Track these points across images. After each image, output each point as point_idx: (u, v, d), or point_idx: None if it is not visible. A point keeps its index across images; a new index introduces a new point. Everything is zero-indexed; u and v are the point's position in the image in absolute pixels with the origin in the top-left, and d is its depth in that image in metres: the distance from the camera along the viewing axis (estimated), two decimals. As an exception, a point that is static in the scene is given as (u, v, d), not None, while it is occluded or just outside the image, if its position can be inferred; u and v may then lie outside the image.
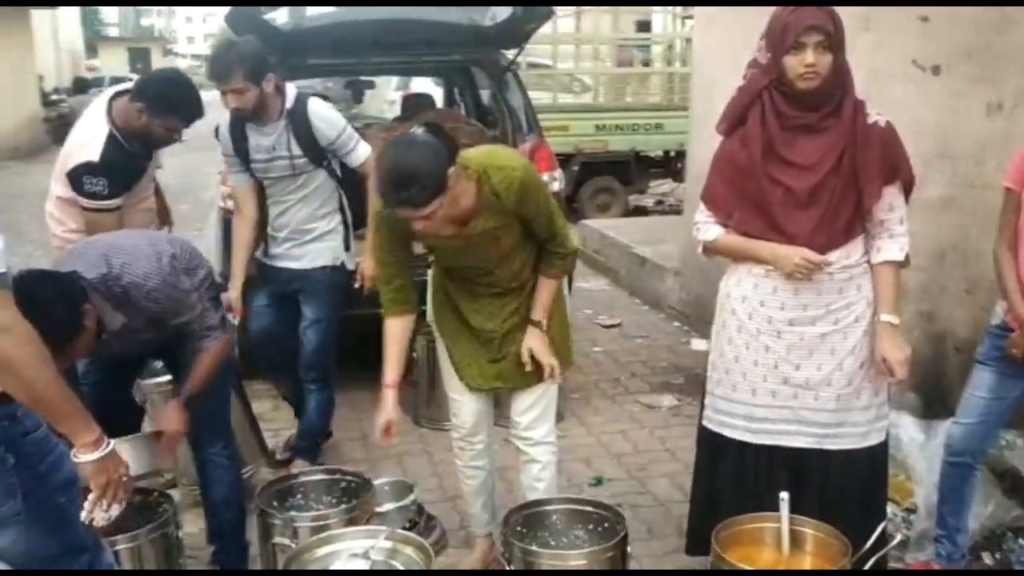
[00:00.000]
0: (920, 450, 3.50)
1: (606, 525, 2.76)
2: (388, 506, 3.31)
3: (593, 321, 6.42)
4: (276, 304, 3.84)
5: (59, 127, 17.22)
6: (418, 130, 2.50)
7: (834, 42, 2.49)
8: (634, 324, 6.33)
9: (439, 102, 7.46)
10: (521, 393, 2.96)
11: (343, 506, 2.87)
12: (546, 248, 2.83)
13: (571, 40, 11.52)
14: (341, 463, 4.13)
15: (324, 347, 3.79)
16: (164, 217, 3.99)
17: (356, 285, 3.79)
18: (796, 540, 2.54)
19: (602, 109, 9.96)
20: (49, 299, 2.34)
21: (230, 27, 4.37)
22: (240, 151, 3.61)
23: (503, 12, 4.72)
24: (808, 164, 2.60)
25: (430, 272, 3.06)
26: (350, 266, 3.83)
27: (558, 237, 2.80)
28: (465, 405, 3.01)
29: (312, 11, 4.86)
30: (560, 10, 12.45)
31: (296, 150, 3.55)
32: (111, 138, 3.32)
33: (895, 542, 2.56)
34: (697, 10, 6.67)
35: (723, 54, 5.11)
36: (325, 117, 3.60)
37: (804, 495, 2.75)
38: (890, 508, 3.50)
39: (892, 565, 3.22)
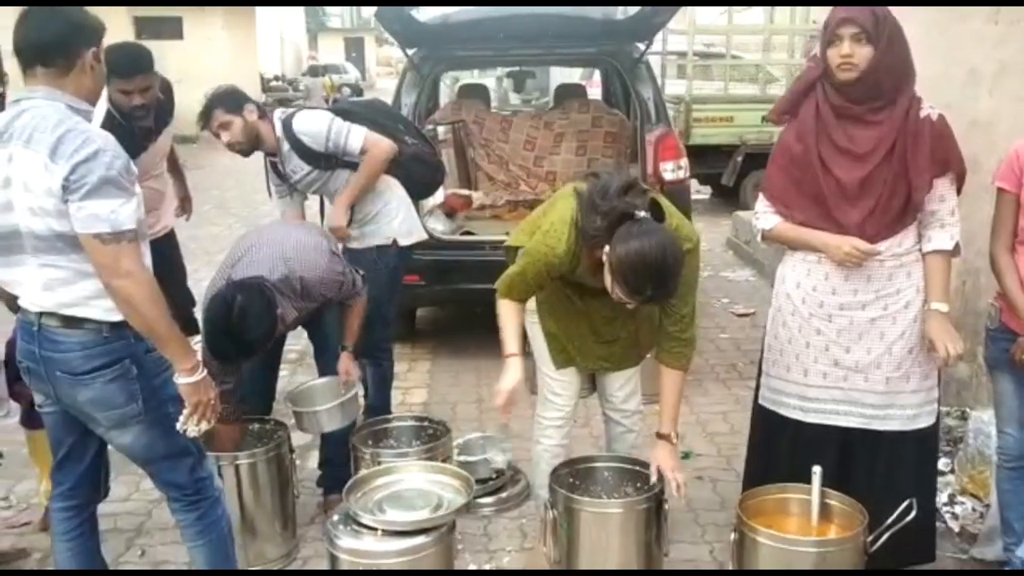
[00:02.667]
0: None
1: (651, 484, 2.98)
2: (477, 456, 3.68)
3: (728, 309, 6.52)
4: None
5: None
6: (646, 215, 2.49)
7: (872, 35, 2.59)
8: (767, 315, 6.33)
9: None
10: (615, 371, 3.13)
11: (421, 446, 3.24)
12: (667, 330, 2.82)
13: (762, 31, 11.37)
14: (456, 420, 4.55)
15: (371, 324, 3.78)
16: (185, 204, 4.49)
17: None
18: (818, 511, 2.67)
19: (770, 100, 9.82)
20: (258, 308, 2.93)
21: (379, 22, 4.83)
22: (286, 182, 3.90)
23: (634, 6, 4.93)
24: (860, 152, 2.70)
25: None
26: (404, 242, 3.93)
27: (687, 318, 2.80)
28: (569, 385, 3.08)
29: (455, 8, 5.25)
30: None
31: (306, 166, 3.73)
32: (108, 114, 3.73)
33: (908, 518, 2.59)
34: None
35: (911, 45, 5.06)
36: (307, 130, 3.66)
37: (854, 475, 2.87)
38: (969, 501, 3.51)
39: (958, 557, 3.25)
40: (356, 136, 3.68)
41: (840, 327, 2.84)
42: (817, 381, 2.91)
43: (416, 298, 5.32)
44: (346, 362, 3.44)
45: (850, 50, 2.60)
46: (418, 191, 4.15)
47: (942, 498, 3.54)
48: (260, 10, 23.53)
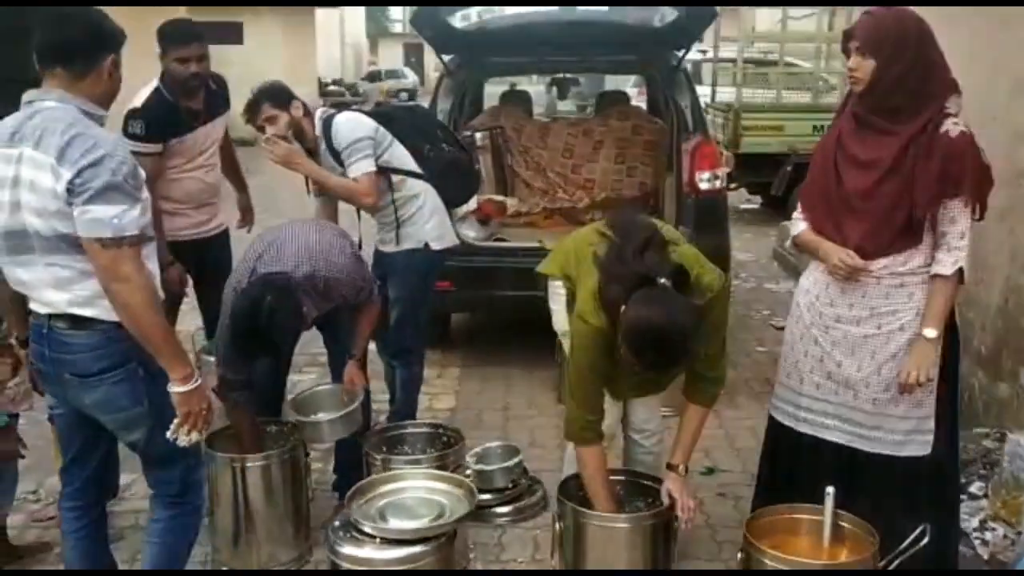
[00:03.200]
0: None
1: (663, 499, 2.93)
2: (494, 466, 3.66)
3: (768, 322, 6.39)
4: (383, 285, 4.03)
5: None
6: (664, 282, 2.45)
7: (872, 48, 2.54)
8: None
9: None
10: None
11: (433, 453, 3.23)
12: (697, 371, 2.81)
13: (815, 38, 11.17)
14: (480, 428, 4.54)
15: (401, 326, 3.88)
16: (247, 215, 4.51)
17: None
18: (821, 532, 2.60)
19: (821, 109, 9.64)
20: (287, 309, 2.96)
21: (415, 28, 4.84)
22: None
23: (671, 13, 4.87)
24: (867, 160, 2.64)
25: (554, 285, 3.08)
26: (436, 246, 3.90)
27: (713, 358, 2.77)
28: (607, 412, 2.99)
29: (491, 14, 5.23)
30: (800, 11, 12.18)
31: (339, 167, 3.72)
32: (156, 90, 3.83)
33: (918, 545, 2.50)
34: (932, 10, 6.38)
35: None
36: (341, 129, 3.68)
37: (851, 491, 2.76)
38: (1001, 527, 3.39)
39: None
40: (361, 167, 3.65)
41: (835, 339, 2.79)
42: (811, 391, 2.87)
43: (447, 304, 5.31)
44: (351, 371, 3.44)
45: (854, 63, 2.57)
46: (453, 198, 4.13)
47: (973, 523, 3.42)
48: (320, 15, 23.85)
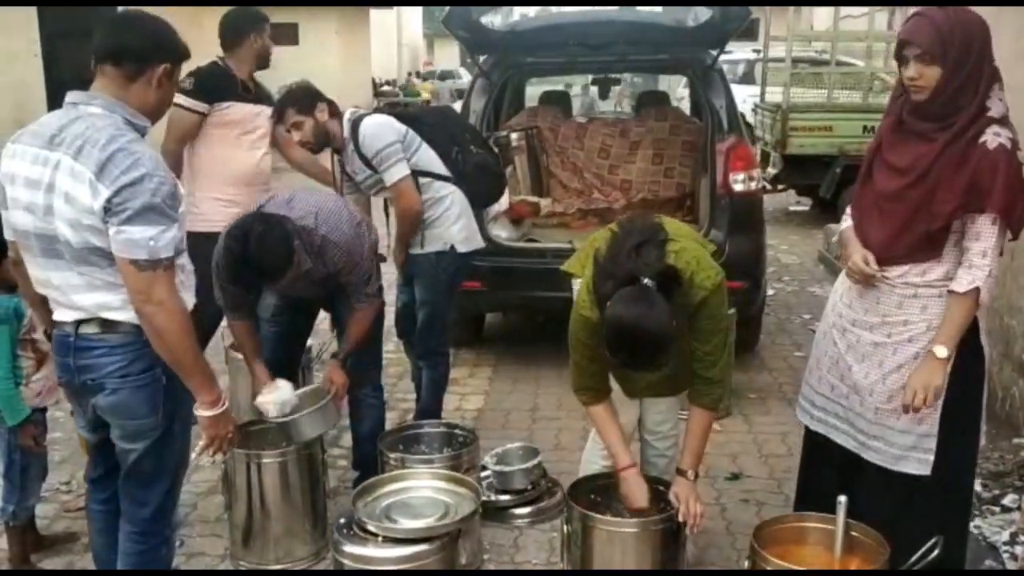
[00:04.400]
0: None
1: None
2: (513, 467, 3.65)
3: (808, 326, 6.27)
4: (411, 285, 4.12)
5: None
6: (650, 283, 2.45)
7: (937, 55, 2.41)
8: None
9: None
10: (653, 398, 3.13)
11: (447, 453, 3.24)
12: (698, 372, 2.80)
13: (865, 37, 10.94)
14: (506, 428, 4.54)
15: (428, 327, 3.93)
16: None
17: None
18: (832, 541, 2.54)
19: (872, 110, 9.43)
20: (275, 238, 3.00)
21: (447, 28, 4.86)
22: (352, 180, 3.95)
23: (704, 13, 4.81)
24: (900, 167, 2.56)
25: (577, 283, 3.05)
26: (462, 248, 3.92)
27: (710, 357, 2.76)
28: (622, 412, 3.03)
29: (525, 15, 5.23)
30: (859, 9, 11.94)
31: (367, 168, 3.77)
32: (214, 61, 4.17)
33: (929, 557, 2.43)
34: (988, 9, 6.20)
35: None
36: (368, 134, 3.71)
37: (858, 496, 2.68)
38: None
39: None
40: (395, 173, 3.70)
41: (849, 343, 2.74)
42: (825, 391, 2.85)
43: (478, 304, 5.33)
44: (333, 371, 3.41)
45: (916, 72, 2.44)
46: (480, 200, 4.15)
47: (1003, 536, 3.34)
48: (375, 16, 24.08)
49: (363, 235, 3.34)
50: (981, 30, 2.46)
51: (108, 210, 2.17)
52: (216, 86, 4.11)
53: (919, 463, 2.64)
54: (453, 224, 3.91)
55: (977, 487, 3.54)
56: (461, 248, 3.95)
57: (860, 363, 2.69)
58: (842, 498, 2.54)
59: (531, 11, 5.30)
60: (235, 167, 4.18)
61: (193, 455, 2.45)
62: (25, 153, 2.30)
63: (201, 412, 2.39)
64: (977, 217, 2.45)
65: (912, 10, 2.62)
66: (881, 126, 2.70)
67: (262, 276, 3.13)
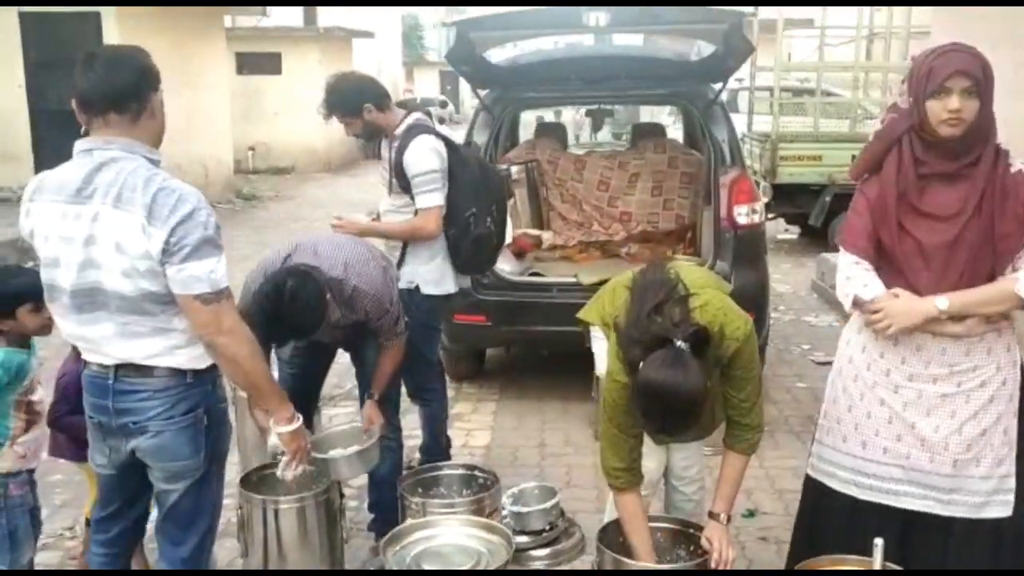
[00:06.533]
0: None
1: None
2: (531, 507, 3.60)
3: (808, 356, 6.29)
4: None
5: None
6: (681, 345, 2.37)
7: (982, 89, 2.40)
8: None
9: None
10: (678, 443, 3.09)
11: (469, 497, 3.18)
12: (733, 419, 2.76)
13: (852, 68, 11.04)
14: (516, 466, 4.49)
15: (409, 365, 3.68)
16: None
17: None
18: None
19: (859, 139, 9.53)
20: (308, 294, 2.94)
21: (449, 63, 4.85)
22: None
23: (707, 48, 4.84)
24: (945, 216, 2.49)
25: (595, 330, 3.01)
26: (427, 290, 3.82)
27: (745, 404, 2.71)
28: (649, 457, 2.97)
29: (524, 50, 5.24)
30: (838, 38, 12.09)
31: (391, 171, 3.79)
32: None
33: None
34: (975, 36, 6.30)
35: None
36: (414, 153, 3.68)
37: (923, 558, 2.64)
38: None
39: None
40: (429, 200, 3.69)
41: (907, 399, 2.60)
42: (876, 456, 2.67)
43: (481, 338, 5.29)
44: (369, 410, 3.38)
45: (960, 104, 2.38)
46: (464, 267, 4.04)
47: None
48: (357, 44, 24.10)
49: (391, 279, 3.31)
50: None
51: (166, 251, 2.18)
52: None
53: (1002, 505, 2.58)
54: (424, 264, 3.83)
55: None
56: (427, 289, 3.85)
57: (927, 417, 2.59)
58: (879, 540, 2.48)
59: (531, 44, 5.30)
60: None
61: (278, 472, 2.57)
62: (52, 211, 2.27)
63: (280, 429, 2.54)
64: None
65: (939, 43, 2.57)
66: (886, 174, 2.53)
67: (295, 333, 3.10)
